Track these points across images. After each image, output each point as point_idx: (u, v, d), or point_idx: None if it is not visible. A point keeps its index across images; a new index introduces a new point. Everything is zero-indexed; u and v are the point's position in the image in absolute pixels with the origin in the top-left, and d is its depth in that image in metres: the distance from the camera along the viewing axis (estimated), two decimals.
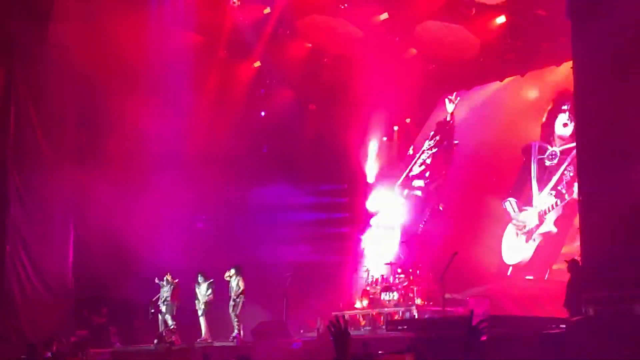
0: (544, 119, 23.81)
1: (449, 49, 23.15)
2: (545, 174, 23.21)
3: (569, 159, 22.45)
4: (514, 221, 23.77)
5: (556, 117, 23.24)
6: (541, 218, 23.00)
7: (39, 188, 21.26)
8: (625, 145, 14.04)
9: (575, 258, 16.65)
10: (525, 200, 23.68)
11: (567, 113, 22.72)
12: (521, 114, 24.46)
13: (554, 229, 22.56)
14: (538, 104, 24.09)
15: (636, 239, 13.61)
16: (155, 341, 20.30)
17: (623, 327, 12.50)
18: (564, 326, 14.12)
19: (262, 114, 26.02)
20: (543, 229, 22.90)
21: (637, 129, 14.04)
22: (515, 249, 23.58)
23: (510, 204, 24.10)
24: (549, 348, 12.89)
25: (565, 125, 22.87)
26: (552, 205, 22.68)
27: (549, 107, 23.63)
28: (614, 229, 13.88)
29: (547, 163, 23.28)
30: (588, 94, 14.94)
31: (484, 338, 6.22)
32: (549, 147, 23.41)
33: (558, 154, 23.05)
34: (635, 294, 12.95)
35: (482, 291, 22.84)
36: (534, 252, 22.96)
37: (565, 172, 22.64)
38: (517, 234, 23.63)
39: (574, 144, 20.70)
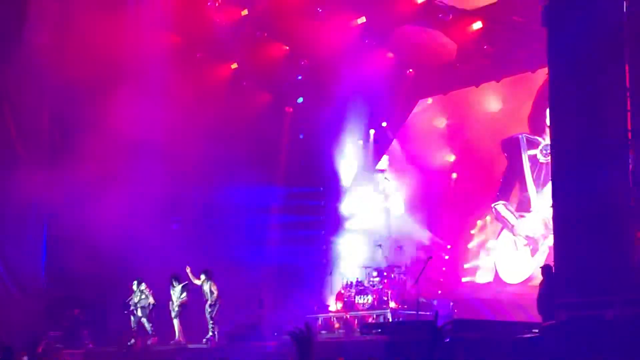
0: (529, 110, 22.87)
1: (425, 54, 23.24)
2: (542, 172, 21.87)
3: None
4: (514, 229, 22.69)
5: (546, 107, 22.19)
6: (547, 226, 21.30)
7: (11, 187, 21.08)
8: (599, 150, 14.20)
9: (549, 264, 16.80)
10: (521, 204, 22.55)
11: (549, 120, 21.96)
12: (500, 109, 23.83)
13: None
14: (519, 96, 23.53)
15: (607, 247, 13.76)
16: (132, 341, 20.29)
17: (594, 333, 12.64)
18: (536, 331, 14.27)
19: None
20: (551, 241, 21.21)
21: (611, 135, 14.21)
22: (517, 264, 22.33)
23: (505, 208, 22.79)
24: (522, 352, 13.00)
25: None
26: None
27: (534, 97, 22.71)
28: (587, 236, 14.02)
29: (542, 159, 21.97)
30: (563, 99, 15.10)
31: (447, 339, 6.29)
32: (541, 139, 22.21)
33: None
34: (606, 300, 13.09)
35: (455, 295, 22.95)
36: (522, 287, 21.62)
37: None
38: (516, 247, 22.49)
39: None
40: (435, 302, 20.85)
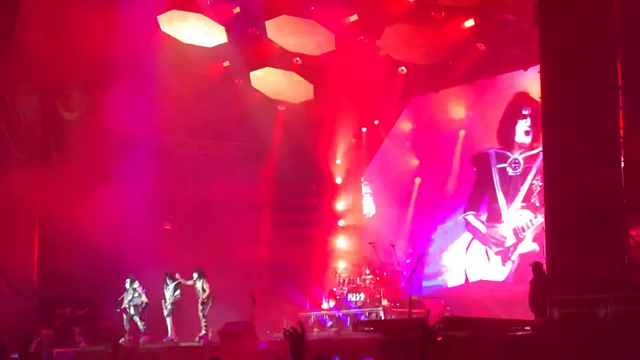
0: (498, 120, 23.24)
1: (418, 52, 23.24)
2: (510, 186, 22.44)
3: (535, 168, 21.61)
4: (485, 239, 23.07)
5: (516, 122, 22.56)
6: (518, 235, 22.07)
7: (3, 186, 21.02)
8: (591, 148, 14.24)
9: (539, 261, 16.84)
10: (492, 215, 22.97)
11: (529, 119, 22.09)
12: (470, 123, 24.24)
13: (537, 248, 21.02)
14: (489, 111, 23.89)
15: (599, 244, 13.79)
16: (122, 340, 20.28)
17: (587, 330, 12.67)
18: (528, 328, 14.30)
19: None
20: (523, 248, 21.93)
21: (603, 133, 14.24)
22: (489, 273, 22.80)
23: (475, 219, 23.38)
24: (515, 350, 13.02)
25: (527, 132, 22.17)
26: (531, 222, 21.64)
27: (503, 112, 23.15)
28: (579, 233, 14.05)
29: (511, 172, 22.56)
30: (555, 98, 15.14)
31: (439, 339, 6.32)
32: (510, 154, 22.73)
33: (522, 162, 22.29)
34: (598, 298, 13.12)
35: (447, 293, 23.00)
36: (514, 276, 21.89)
37: (534, 182, 21.67)
38: (488, 256, 22.85)
39: (537, 151, 20.87)
40: (427, 301, 20.87)
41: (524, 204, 22.03)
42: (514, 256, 22.08)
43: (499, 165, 22.77)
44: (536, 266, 16.71)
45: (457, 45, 22.78)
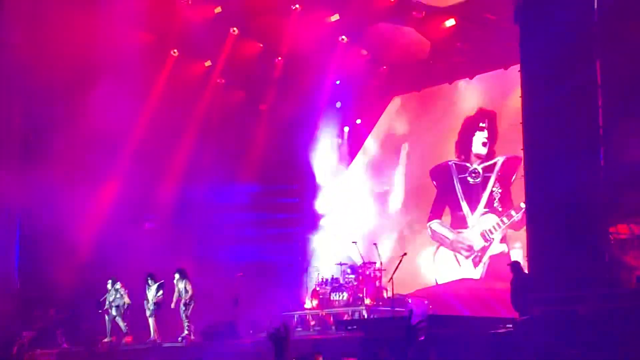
0: (456, 137, 23.96)
1: (399, 51, 23.30)
2: (472, 194, 23.15)
3: (493, 177, 22.61)
4: (453, 244, 23.51)
5: (473, 135, 23.35)
6: (486, 238, 22.75)
7: None
8: (571, 147, 14.33)
9: (517, 261, 16.92)
10: (456, 222, 23.55)
11: (486, 131, 23.00)
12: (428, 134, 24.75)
13: (506, 249, 22.28)
14: (444, 123, 24.43)
15: (580, 242, 13.88)
16: (106, 340, 20.25)
17: (568, 327, 12.75)
18: (511, 326, 14.38)
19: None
20: (493, 250, 22.61)
21: (582, 131, 14.34)
22: (459, 276, 23.25)
23: (440, 226, 23.85)
24: (497, 347, 13.09)
25: (484, 144, 23.01)
26: (498, 224, 22.38)
27: (461, 125, 23.79)
28: (560, 231, 14.14)
29: (471, 181, 23.28)
30: (535, 97, 15.21)
31: (422, 337, 6.35)
32: (468, 165, 23.47)
33: (480, 172, 23.09)
34: (579, 295, 13.20)
35: (429, 292, 23.07)
36: (487, 276, 22.53)
37: (494, 189, 22.63)
38: (458, 261, 23.27)
39: (494, 161, 22.66)
40: (409, 300, 20.95)
41: (486, 210, 22.86)
42: (485, 258, 22.70)
43: (460, 176, 23.67)
44: (515, 266, 16.81)
45: (438, 44, 22.85)
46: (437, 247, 23.99)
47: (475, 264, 22.79)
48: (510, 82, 21.49)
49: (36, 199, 21.44)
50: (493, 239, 22.50)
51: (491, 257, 22.41)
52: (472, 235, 23.04)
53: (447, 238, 23.70)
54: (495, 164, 22.55)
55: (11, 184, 21.50)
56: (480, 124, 23.13)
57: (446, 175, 23.89)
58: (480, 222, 22.83)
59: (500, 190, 22.21)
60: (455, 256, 23.32)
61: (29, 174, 21.63)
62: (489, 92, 23.65)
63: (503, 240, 22.18)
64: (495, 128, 22.84)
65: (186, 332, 19.56)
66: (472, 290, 22.54)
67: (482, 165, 23.03)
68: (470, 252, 22.97)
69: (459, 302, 22.05)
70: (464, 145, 23.63)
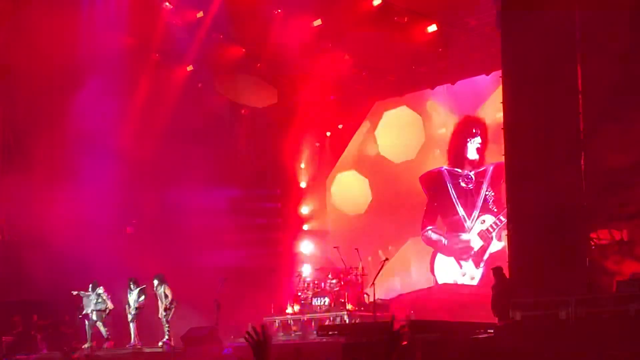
0: (443, 135, 24.13)
1: (381, 56, 23.34)
2: (467, 198, 23.29)
3: (486, 182, 22.79)
4: (449, 249, 23.56)
5: (466, 141, 23.43)
6: (485, 238, 22.86)
7: None
8: (552, 152, 14.41)
9: (500, 266, 16.97)
10: (453, 226, 23.59)
11: (479, 137, 23.12)
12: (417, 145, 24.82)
13: (504, 245, 21.64)
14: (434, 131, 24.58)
15: (561, 247, 13.95)
16: (84, 346, 20.11)
17: (549, 332, 12.79)
18: (492, 331, 14.40)
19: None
20: (492, 248, 22.72)
21: (563, 137, 14.41)
22: (462, 278, 23.32)
23: (435, 233, 23.92)
24: (478, 352, 13.10)
25: (478, 150, 23.17)
26: (495, 223, 22.50)
27: (453, 132, 23.87)
28: (541, 236, 14.20)
29: (464, 186, 23.46)
30: (516, 102, 15.27)
31: (404, 342, 6.32)
32: (460, 171, 23.63)
33: (473, 178, 23.26)
34: (560, 300, 13.24)
35: (411, 297, 23.09)
36: (486, 277, 22.04)
37: (487, 193, 22.82)
38: (460, 264, 23.34)
39: (484, 167, 22.89)
40: (393, 304, 20.96)
41: (481, 212, 23.04)
42: (486, 256, 22.79)
43: (453, 181, 23.79)
44: (497, 271, 16.87)
45: (420, 49, 22.91)
46: (434, 254, 24.05)
47: (477, 264, 22.94)
48: (492, 87, 21.70)
49: (17, 203, 21.32)
50: (492, 237, 22.68)
51: (491, 254, 22.56)
52: (469, 237, 23.19)
53: (444, 244, 23.78)
54: (486, 170, 22.82)
55: None
56: (473, 130, 23.27)
57: (438, 181, 23.98)
58: (477, 224, 23.03)
59: (493, 194, 22.47)
60: (457, 260, 23.42)
61: (9, 178, 21.50)
62: (470, 98, 23.73)
63: (500, 238, 22.34)
64: (485, 134, 22.93)
65: (167, 337, 19.47)
66: (452, 294, 22.57)
67: (474, 172, 23.25)
68: (469, 253, 23.11)
69: (439, 307, 22.06)
70: (457, 151, 23.74)
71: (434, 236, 23.89)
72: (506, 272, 15.68)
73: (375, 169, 25.97)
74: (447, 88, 23.93)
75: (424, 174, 24.36)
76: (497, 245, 22.53)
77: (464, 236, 23.31)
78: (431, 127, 24.65)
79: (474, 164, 23.32)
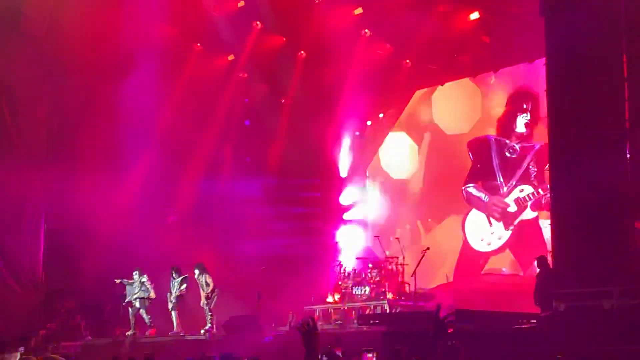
0: (499, 114, 23.91)
1: (422, 45, 23.20)
2: (508, 167, 23.39)
3: (529, 156, 22.80)
4: (486, 207, 23.71)
5: (517, 115, 23.38)
6: (520, 205, 23.06)
7: (9, 180, 21.07)
8: (597, 141, 14.22)
9: (544, 255, 16.80)
10: (490, 190, 23.81)
11: (529, 114, 23.04)
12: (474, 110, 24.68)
13: (534, 216, 22.71)
14: (492, 100, 24.26)
15: (605, 237, 13.78)
16: (128, 333, 20.36)
17: (592, 323, 12.66)
18: (534, 321, 14.29)
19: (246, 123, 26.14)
20: (524, 216, 22.93)
21: (609, 125, 14.22)
22: (491, 236, 23.58)
23: (476, 190, 24.14)
24: (520, 343, 13.02)
25: (526, 125, 23.11)
26: (533, 194, 22.69)
27: (505, 103, 23.73)
28: (584, 226, 14.04)
29: (508, 155, 23.51)
30: (560, 90, 15.11)
31: (450, 331, 6.30)
32: (507, 141, 23.61)
33: (518, 150, 23.28)
34: (603, 290, 13.10)
35: (452, 285, 23.02)
36: (515, 239, 22.98)
37: (530, 167, 22.87)
38: (490, 221, 23.61)
39: (532, 144, 22.66)
40: (437, 293, 20.88)
41: (519, 182, 23.19)
42: (516, 221, 23.10)
43: (498, 149, 23.86)
44: (541, 260, 16.70)
45: (462, 37, 22.74)
46: (467, 214, 24.29)
47: (507, 226, 23.27)
48: (536, 75, 21.46)
49: (61, 192, 21.60)
50: (526, 206, 22.89)
51: (521, 221, 22.86)
52: (507, 200, 23.42)
53: (483, 201, 23.99)
54: (533, 146, 22.85)
55: (37, 177, 21.68)
56: (524, 105, 23.18)
57: (484, 147, 24.09)
58: (515, 192, 23.21)
59: (535, 170, 22.54)
60: (488, 218, 23.74)
61: (54, 166, 21.80)
62: (514, 86, 23.54)
63: (534, 208, 22.59)
64: (537, 112, 22.83)
65: (209, 325, 19.62)
66: (495, 285, 22.45)
67: (520, 144, 23.26)
68: (503, 215, 23.38)
69: (481, 297, 21.96)
70: (506, 122, 23.77)
71: (475, 192, 24.15)
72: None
73: (425, 135, 25.82)
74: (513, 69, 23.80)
75: (472, 139, 24.56)
76: (530, 214, 22.81)
77: (501, 199, 23.58)
78: (489, 104, 24.43)
79: (521, 137, 23.28)
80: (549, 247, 16.92)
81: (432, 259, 22.60)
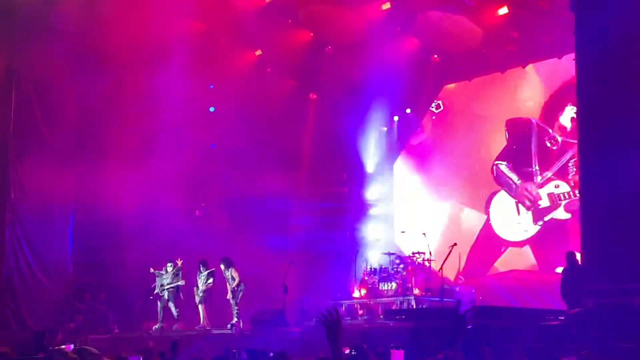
0: (545, 99, 23.11)
1: (450, 40, 23.11)
2: (546, 157, 22.63)
3: (571, 152, 21.73)
4: (516, 191, 23.09)
5: (563, 106, 22.44)
6: (554, 201, 22.31)
7: (39, 174, 21.24)
8: (626, 137, 14.08)
9: (573, 251, 16.69)
10: (523, 176, 23.12)
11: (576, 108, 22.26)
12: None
13: (568, 217, 21.81)
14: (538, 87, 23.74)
15: (636, 233, 13.65)
16: (155, 327, 20.46)
17: (623, 320, 12.55)
18: (562, 318, 14.20)
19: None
20: (557, 214, 22.16)
21: (637, 120, 14.08)
22: (516, 225, 23.04)
23: (508, 168, 23.33)
24: (548, 340, 12.94)
25: (572, 119, 21.85)
26: (569, 193, 21.81)
27: (552, 93, 23.02)
28: (614, 222, 13.92)
29: (548, 145, 22.73)
30: (589, 85, 14.98)
31: (469, 326, 6.27)
32: (550, 130, 22.80)
33: (559, 142, 22.44)
34: (635, 287, 12.99)
35: (478, 282, 22.89)
36: (540, 237, 22.25)
37: (569, 164, 22.02)
38: (518, 209, 22.96)
39: (575, 141, 20.56)
40: (457, 289, 20.82)
41: (556, 177, 22.35)
42: (547, 218, 22.34)
43: (539, 136, 22.95)
44: (569, 255, 16.57)
45: (490, 32, 22.61)
46: (494, 193, 23.63)
47: (535, 220, 22.50)
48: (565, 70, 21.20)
49: (90, 186, 21.74)
50: (559, 204, 22.13)
51: (553, 219, 22.14)
52: (540, 192, 22.66)
53: (514, 182, 23.24)
54: (576, 144, 21.38)
55: (66, 170, 21.84)
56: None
57: (524, 130, 23.20)
58: (551, 185, 22.44)
59: (575, 169, 21.43)
60: (517, 204, 22.98)
61: (83, 162, 21.95)
62: (543, 81, 23.32)
63: (568, 209, 21.71)
64: None
65: (235, 319, 19.68)
66: (521, 281, 22.32)
67: (562, 138, 22.35)
68: (533, 205, 22.59)
69: (507, 293, 21.86)
70: (552, 111, 22.80)
71: (507, 171, 23.33)
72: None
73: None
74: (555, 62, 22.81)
75: (511, 118, 23.69)
76: (562, 214, 22.07)
77: (534, 187, 22.81)
78: (521, 96, 23.91)
79: (563, 131, 22.36)
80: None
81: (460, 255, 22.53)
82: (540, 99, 23.47)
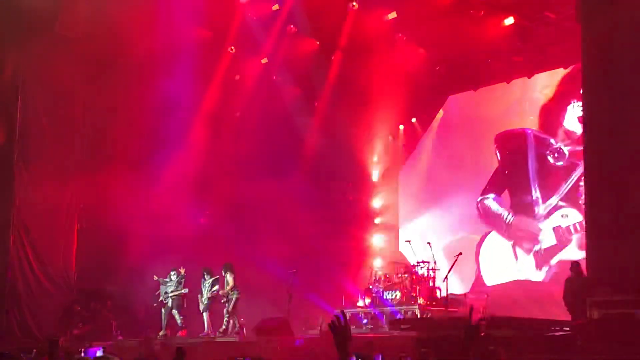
0: (543, 101, 19.90)
1: (456, 50, 23.12)
2: (550, 177, 18.95)
3: (581, 166, 16.06)
4: (509, 232, 20.44)
5: (568, 102, 18.56)
6: (560, 237, 18.07)
7: (44, 180, 21.28)
8: (633, 147, 14.06)
9: (577, 261, 16.58)
10: (519, 207, 19.67)
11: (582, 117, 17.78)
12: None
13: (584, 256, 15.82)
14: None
15: None
16: (159, 335, 20.44)
17: (628, 331, 12.51)
18: (568, 329, 14.15)
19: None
20: (566, 254, 17.77)
21: None
22: (516, 273, 19.92)
23: (497, 204, 19.80)
24: (554, 350, 12.90)
25: (580, 118, 16.96)
26: (581, 224, 16.77)
27: (553, 94, 20.54)
28: (620, 233, 13.88)
29: (551, 161, 18.85)
30: (596, 96, 14.96)
31: (482, 334, 6.25)
32: (552, 141, 19.02)
33: (567, 155, 18.30)
34: (639, 299, 12.95)
35: (483, 292, 22.82)
36: (548, 287, 17.93)
37: (581, 183, 16.73)
38: (515, 253, 19.47)
39: None
40: (471, 296, 20.74)
41: (565, 203, 17.95)
42: (553, 261, 18.34)
43: (538, 150, 18.94)
44: (574, 266, 16.51)
45: (496, 43, 22.62)
46: (485, 234, 20.44)
47: (539, 265, 18.46)
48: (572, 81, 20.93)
49: (94, 193, 21.77)
50: (570, 240, 17.76)
51: (561, 262, 17.79)
52: (541, 227, 18.40)
53: (504, 220, 19.33)
54: None
55: (71, 177, 21.88)
56: (581, 91, 15.54)
57: (518, 145, 19.03)
58: (556, 216, 17.95)
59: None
60: (513, 247, 19.21)
61: (88, 168, 21.99)
62: (548, 91, 23.28)
63: (582, 246, 16.63)
64: None
65: (224, 326, 19.66)
66: (528, 292, 22.21)
67: (569, 148, 18.07)
68: (533, 247, 18.67)
69: (513, 303, 21.77)
70: (552, 114, 18.42)
71: (495, 207, 19.26)
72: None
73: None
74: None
75: (502, 132, 19.65)
76: (575, 252, 17.51)
77: (534, 223, 18.75)
78: (522, 109, 21.55)
79: (572, 137, 17.98)
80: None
81: (465, 265, 22.46)
82: (533, 124, 20.48)
